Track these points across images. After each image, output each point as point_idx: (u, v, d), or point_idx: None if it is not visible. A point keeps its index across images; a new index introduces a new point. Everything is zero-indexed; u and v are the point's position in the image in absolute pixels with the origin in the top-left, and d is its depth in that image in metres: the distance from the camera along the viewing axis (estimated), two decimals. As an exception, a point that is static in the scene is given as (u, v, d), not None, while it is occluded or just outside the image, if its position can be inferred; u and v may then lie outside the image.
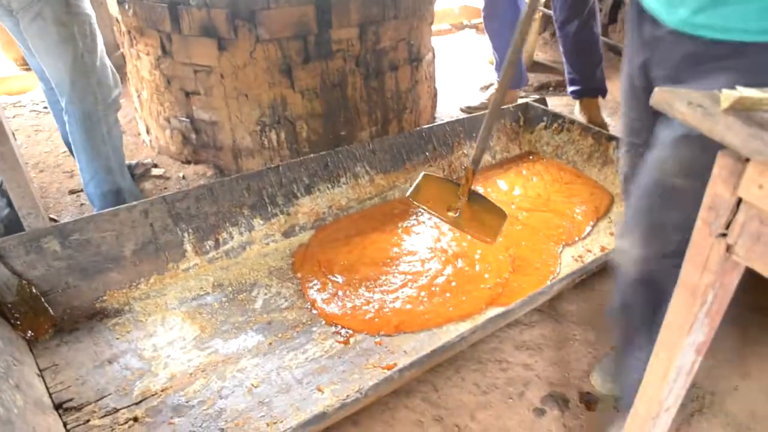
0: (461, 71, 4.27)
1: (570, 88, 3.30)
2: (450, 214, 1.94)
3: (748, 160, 0.78)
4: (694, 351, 1.02)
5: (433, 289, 2.00)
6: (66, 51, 2.06)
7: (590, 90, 3.24)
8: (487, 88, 3.92)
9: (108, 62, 2.27)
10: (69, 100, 2.16)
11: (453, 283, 2.02)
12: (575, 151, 2.76)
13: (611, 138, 2.64)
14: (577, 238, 2.28)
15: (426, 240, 2.25)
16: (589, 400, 1.69)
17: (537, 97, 3.30)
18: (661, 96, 0.86)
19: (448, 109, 3.56)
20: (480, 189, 2.60)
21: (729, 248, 0.87)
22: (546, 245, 2.24)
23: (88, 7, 2.14)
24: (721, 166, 0.84)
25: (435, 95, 3.36)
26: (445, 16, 5.17)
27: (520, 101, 3.09)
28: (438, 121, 2.78)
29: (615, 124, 3.32)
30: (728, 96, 0.80)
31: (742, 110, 0.80)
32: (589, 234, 2.32)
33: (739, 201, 0.83)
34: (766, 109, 0.81)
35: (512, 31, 1.90)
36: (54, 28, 2.01)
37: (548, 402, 1.69)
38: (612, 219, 2.41)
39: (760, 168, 0.77)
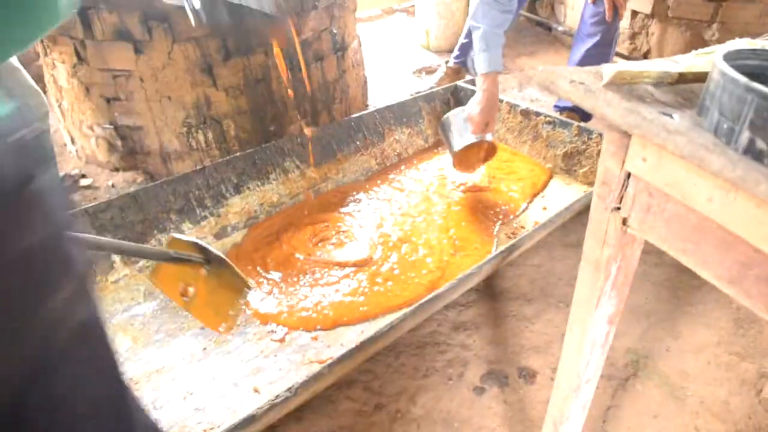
0: (393, 56, 4.26)
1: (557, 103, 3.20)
2: (184, 298, 1.43)
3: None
4: (606, 323, 1.04)
5: (377, 279, 1.99)
6: None
7: (581, 110, 3.02)
8: (421, 72, 3.92)
9: (29, 78, 2.14)
10: None
11: (396, 271, 2.02)
12: (506, 129, 2.79)
13: (539, 113, 2.67)
14: (512, 216, 2.31)
15: (367, 228, 2.24)
16: (527, 375, 1.72)
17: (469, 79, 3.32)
18: (544, 75, 0.87)
19: (380, 97, 3.55)
20: (419, 170, 2.61)
21: (624, 221, 0.88)
22: (485, 224, 2.26)
23: None
24: (608, 140, 0.86)
25: (365, 83, 3.34)
26: (376, 2, 5.14)
27: (447, 85, 3.08)
28: (370, 109, 2.77)
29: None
30: (608, 71, 0.80)
31: (623, 84, 0.81)
32: (524, 210, 2.35)
33: (629, 175, 0.84)
34: (648, 82, 0.83)
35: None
36: None
37: (487, 380, 1.71)
38: (544, 195, 2.45)
39: (641, 141, 0.78)
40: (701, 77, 0.79)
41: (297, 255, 2.09)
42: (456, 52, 3.47)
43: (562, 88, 0.84)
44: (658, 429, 1.55)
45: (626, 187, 0.86)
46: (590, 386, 1.14)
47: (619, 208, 0.89)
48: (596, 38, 2.81)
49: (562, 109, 3.10)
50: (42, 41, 2.64)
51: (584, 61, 2.87)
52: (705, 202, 0.69)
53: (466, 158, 2.40)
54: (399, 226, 2.24)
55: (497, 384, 1.69)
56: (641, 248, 0.97)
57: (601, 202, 0.91)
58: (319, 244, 2.16)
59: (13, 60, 2.06)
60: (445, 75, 3.47)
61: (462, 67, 3.47)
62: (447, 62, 3.54)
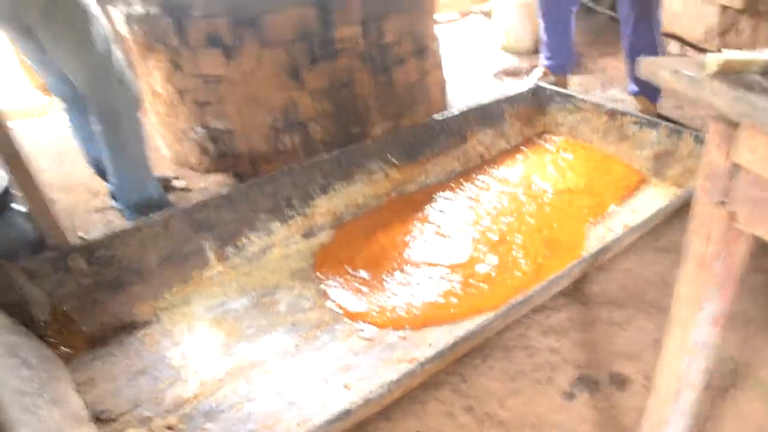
0: (471, 59, 4.24)
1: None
2: None
3: (739, 124, 0.77)
4: (709, 324, 1.00)
5: (470, 280, 1.99)
6: (84, 51, 2.14)
7: (643, 91, 3.04)
8: (501, 74, 3.88)
9: (123, 62, 2.33)
10: (94, 101, 2.23)
11: (492, 274, 2.01)
12: (590, 130, 2.73)
13: (625, 113, 2.60)
14: (601, 219, 2.26)
15: (461, 228, 2.24)
16: (619, 381, 1.68)
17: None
18: (646, 66, 0.85)
19: (460, 98, 3.54)
20: (503, 172, 2.59)
21: (731, 216, 0.85)
22: (574, 226, 2.22)
23: (96, 9, 2.20)
24: (713, 132, 0.83)
25: (444, 85, 3.34)
26: (453, 5, 5.13)
27: (529, 86, 3.04)
28: (450, 111, 2.77)
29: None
30: (714, 60, 0.78)
31: (730, 74, 0.78)
32: (614, 213, 2.30)
33: (735, 167, 0.81)
34: (756, 71, 0.80)
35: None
36: (69, 30, 2.09)
37: (577, 385, 1.68)
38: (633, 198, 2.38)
39: (750, 131, 0.76)
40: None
41: (388, 254, 2.12)
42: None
43: (665, 79, 0.82)
44: (761, 441, 1.48)
45: (733, 179, 0.83)
46: (692, 391, 1.11)
47: (724, 203, 0.86)
48: (634, 16, 2.81)
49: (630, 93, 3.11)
50: (138, 49, 2.78)
51: (632, 42, 2.90)
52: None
53: None
54: (493, 227, 2.23)
55: (587, 389, 1.66)
56: (748, 245, 0.93)
57: (706, 197, 0.88)
58: (411, 244, 2.18)
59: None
60: (543, 74, 3.40)
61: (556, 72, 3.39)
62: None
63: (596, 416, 1.58)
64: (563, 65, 3.34)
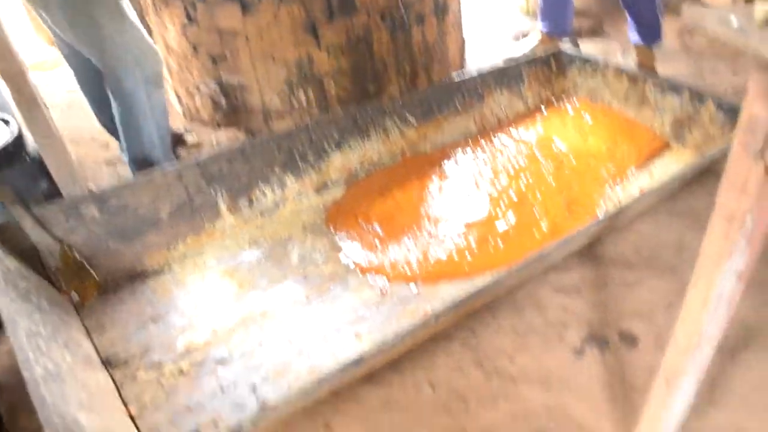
0: (491, 20, 4.18)
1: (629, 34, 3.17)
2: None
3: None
4: (734, 278, 0.99)
5: (488, 238, 1.97)
6: (95, 32, 2.07)
7: (643, 38, 3.06)
8: (520, 37, 3.82)
9: (146, 37, 2.23)
10: (109, 81, 2.18)
11: (510, 232, 1.99)
12: (610, 94, 2.69)
13: (647, 77, 2.55)
14: (621, 181, 2.23)
15: (473, 188, 2.23)
16: (629, 340, 1.67)
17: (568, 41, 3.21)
18: (690, 14, 0.83)
19: (478, 60, 3.49)
20: (521, 133, 2.56)
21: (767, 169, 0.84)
22: (593, 189, 2.19)
23: None
24: (756, 83, 0.81)
25: (463, 45, 3.29)
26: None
27: (549, 49, 2.98)
28: (467, 71, 2.73)
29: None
30: (763, 9, 0.76)
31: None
32: (633, 177, 2.27)
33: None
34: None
35: None
36: (77, 11, 2.02)
37: (588, 343, 1.67)
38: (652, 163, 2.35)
39: (799, 81, 0.73)
40: None
41: (403, 209, 2.10)
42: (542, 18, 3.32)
43: (711, 28, 0.80)
44: (771, 403, 1.48)
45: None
46: (710, 346, 1.10)
47: (763, 156, 0.84)
48: None
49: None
50: (153, 3, 2.75)
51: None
52: None
53: None
54: (512, 186, 2.21)
55: (597, 347, 1.66)
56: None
57: (743, 150, 0.87)
58: (427, 200, 2.16)
59: (133, 18, 2.16)
60: (540, 42, 3.34)
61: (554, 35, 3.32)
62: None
63: (605, 373, 1.58)
64: (561, 29, 3.25)
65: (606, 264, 1.94)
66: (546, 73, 2.83)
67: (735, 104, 2.29)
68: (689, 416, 1.24)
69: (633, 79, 2.60)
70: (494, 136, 2.56)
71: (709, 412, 1.45)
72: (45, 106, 1.96)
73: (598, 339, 1.68)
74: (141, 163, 2.37)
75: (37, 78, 3.75)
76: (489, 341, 1.69)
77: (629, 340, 1.67)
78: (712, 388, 1.52)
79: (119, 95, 2.21)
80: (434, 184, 2.25)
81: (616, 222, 1.89)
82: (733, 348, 1.63)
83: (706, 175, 2.26)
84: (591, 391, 1.53)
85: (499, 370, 1.60)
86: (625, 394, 1.52)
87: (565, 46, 2.95)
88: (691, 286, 1.03)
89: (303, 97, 2.68)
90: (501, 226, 2.01)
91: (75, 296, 1.79)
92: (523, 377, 1.58)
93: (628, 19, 3.06)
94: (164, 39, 2.87)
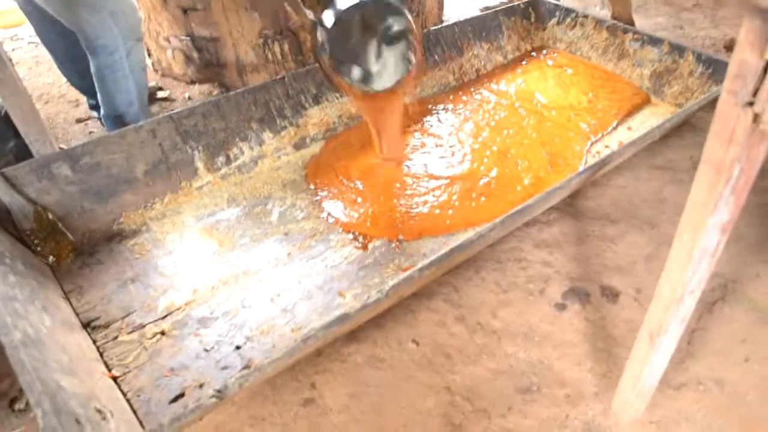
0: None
1: None
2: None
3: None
4: (719, 231, 0.99)
5: (471, 194, 1.95)
6: None
7: None
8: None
9: None
10: (82, 37, 2.09)
11: (492, 186, 1.98)
12: (589, 46, 2.66)
13: (627, 30, 2.53)
14: (600, 135, 2.23)
15: (461, 140, 2.20)
16: (609, 294, 1.69)
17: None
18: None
19: (456, 11, 3.43)
20: (500, 86, 2.53)
21: (756, 118, 0.83)
22: (575, 142, 2.19)
23: None
24: (747, 29, 0.79)
25: (441, -2, 3.23)
26: None
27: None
28: (448, 23, 2.67)
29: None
30: None
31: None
32: (613, 130, 2.26)
33: None
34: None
35: None
36: None
37: (569, 297, 1.69)
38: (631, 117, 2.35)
39: (793, 24, 0.72)
40: None
41: (383, 165, 2.07)
42: None
43: None
44: (747, 353, 1.51)
45: (764, 80, 0.80)
46: (693, 298, 1.11)
47: (752, 104, 0.83)
48: None
49: None
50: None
51: None
52: None
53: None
54: (494, 139, 2.19)
55: (579, 301, 1.68)
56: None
57: (732, 98, 0.85)
58: (409, 155, 2.14)
59: None
60: None
61: None
62: None
63: (586, 327, 1.61)
64: None
65: (586, 219, 1.95)
66: (525, 24, 2.79)
67: (715, 57, 2.28)
68: (668, 368, 1.26)
69: (613, 31, 2.57)
70: (474, 90, 2.53)
71: (688, 364, 1.49)
72: (11, 62, 1.87)
73: (579, 293, 1.70)
74: (116, 120, 2.30)
75: (1, 34, 3.63)
76: (471, 296, 1.70)
77: (610, 293, 1.69)
78: (690, 341, 1.55)
79: (95, 51, 2.12)
80: (416, 138, 2.22)
81: (595, 175, 1.88)
82: (710, 301, 1.66)
83: (684, 128, 2.27)
84: (573, 346, 1.55)
85: (482, 326, 1.62)
86: (607, 348, 1.54)
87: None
88: (676, 239, 1.03)
89: (278, 50, 2.61)
90: (483, 180, 2.00)
91: (51, 258, 1.75)
92: (505, 332, 1.60)
93: None
94: (132, -11, 2.76)
